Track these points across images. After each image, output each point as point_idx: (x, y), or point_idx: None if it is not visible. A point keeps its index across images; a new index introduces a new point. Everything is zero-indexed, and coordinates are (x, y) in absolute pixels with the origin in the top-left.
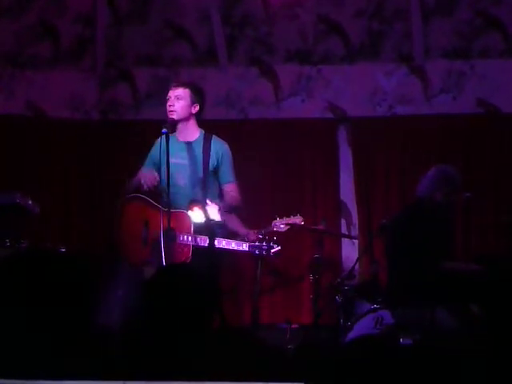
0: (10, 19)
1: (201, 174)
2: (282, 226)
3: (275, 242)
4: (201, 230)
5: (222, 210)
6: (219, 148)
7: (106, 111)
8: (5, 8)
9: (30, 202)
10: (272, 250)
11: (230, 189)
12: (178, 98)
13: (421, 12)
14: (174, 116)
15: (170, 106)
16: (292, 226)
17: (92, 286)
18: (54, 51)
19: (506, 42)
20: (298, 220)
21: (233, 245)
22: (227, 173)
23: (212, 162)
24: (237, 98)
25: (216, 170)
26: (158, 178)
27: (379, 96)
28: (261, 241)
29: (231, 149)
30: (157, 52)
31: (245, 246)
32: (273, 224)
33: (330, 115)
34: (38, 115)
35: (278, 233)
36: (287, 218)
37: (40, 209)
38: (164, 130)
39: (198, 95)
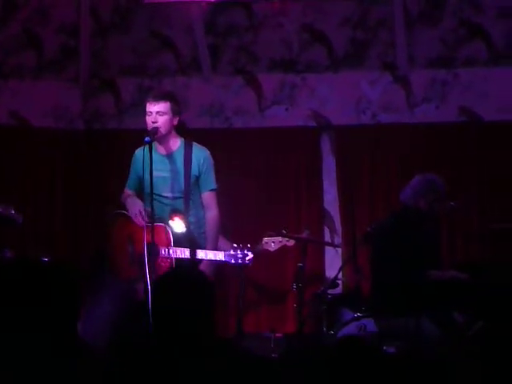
0: None
1: (183, 185)
2: (273, 244)
3: (249, 250)
4: (182, 240)
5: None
6: (200, 156)
7: (90, 121)
8: None
9: (13, 212)
10: (247, 258)
11: (208, 198)
12: (160, 114)
13: (405, 21)
14: (151, 137)
15: (153, 122)
16: (283, 245)
17: (77, 298)
18: (38, 61)
19: (489, 51)
20: (288, 243)
21: (210, 255)
22: (207, 181)
23: (194, 171)
24: (221, 107)
25: (197, 178)
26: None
27: (363, 104)
28: (235, 249)
29: (214, 157)
30: (141, 62)
31: (221, 256)
32: (263, 242)
33: (313, 123)
34: (22, 125)
35: (268, 251)
36: (277, 238)
37: (23, 218)
38: (147, 139)
39: (177, 107)
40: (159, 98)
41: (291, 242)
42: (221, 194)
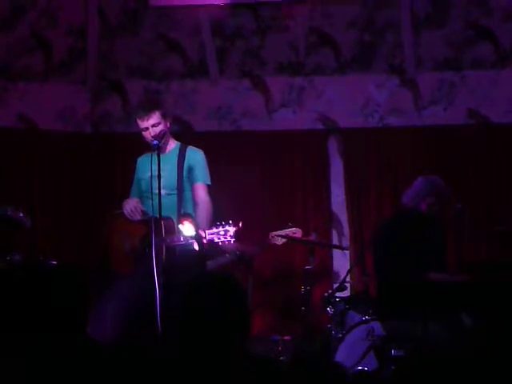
0: (2, 31)
1: (175, 182)
2: (280, 238)
3: (230, 226)
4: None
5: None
6: (193, 154)
7: (97, 124)
8: None
9: (22, 215)
10: (229, 233)
11: (199, 189)
12: (155, 126)
13: (412, 24)
14: (159, 140)
15: (152, 137)
16: (290, 238)
17: (84, 299)
18: (46, 64)
19: (497, 53)
20: (297, 233)
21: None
22: (199, 174)
23: (186, 167)
24: (228, 110)
25: (189, 173)
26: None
27: (370, 107)
28: (217, 226)
29: (222, 160)
30: (148, 65)
31: (206, 234)
32: (270, 236)
33: (321, 126)
34: (30, 127)
35: (275, 245)
36: (285, 230)
37: (32, 222)
38: (155, 142)
39: (165, 110)
40: (147, 110)
41: (299, 233)
42: (228, 197)
